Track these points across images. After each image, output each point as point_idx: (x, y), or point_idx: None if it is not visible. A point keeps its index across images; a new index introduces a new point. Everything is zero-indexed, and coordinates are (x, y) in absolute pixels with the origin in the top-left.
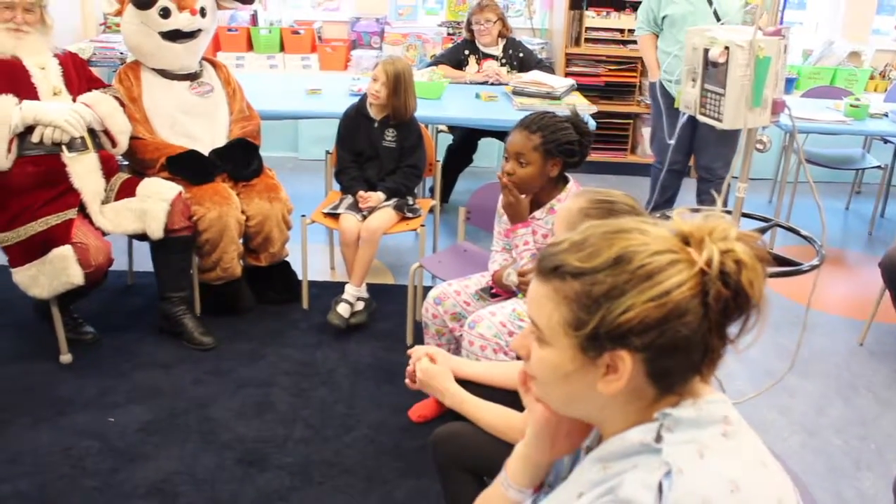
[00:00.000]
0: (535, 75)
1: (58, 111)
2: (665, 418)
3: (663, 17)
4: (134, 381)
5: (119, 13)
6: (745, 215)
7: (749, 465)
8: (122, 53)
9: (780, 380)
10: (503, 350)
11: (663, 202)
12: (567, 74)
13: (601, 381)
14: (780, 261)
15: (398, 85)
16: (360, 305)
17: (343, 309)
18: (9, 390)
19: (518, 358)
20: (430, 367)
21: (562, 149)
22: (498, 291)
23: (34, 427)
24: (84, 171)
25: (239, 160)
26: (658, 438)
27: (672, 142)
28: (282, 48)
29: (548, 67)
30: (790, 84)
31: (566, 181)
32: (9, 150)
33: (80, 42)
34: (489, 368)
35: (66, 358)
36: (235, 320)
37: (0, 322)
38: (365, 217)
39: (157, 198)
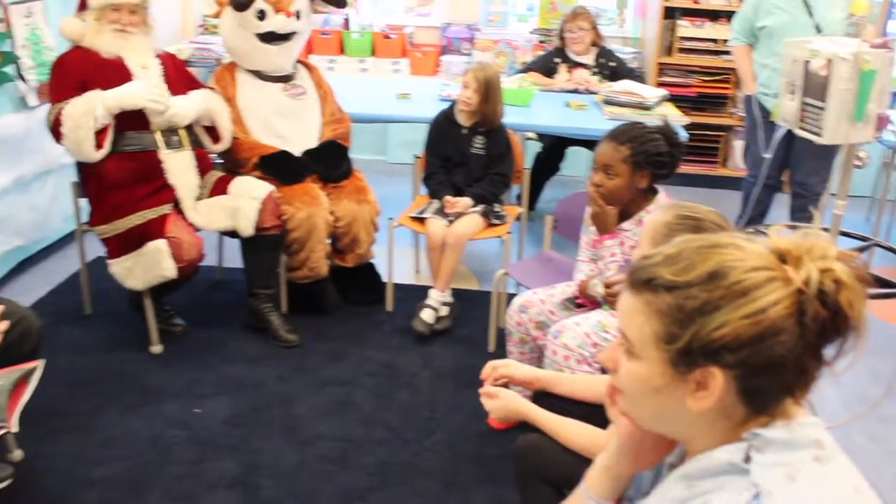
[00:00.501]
0: (627, 85)
1: (138, 92)
2: (755, 439)
3: (760, 28)
4: (220, 373)
5: (218, 15)
6: (842, 234)
7: (842, 492)
8: (218, 54)
9: (874, 406)
10: (586, 361)
11: (755, 217)
12: (659, 84)
13: (690, 397)
14: (879, 282)
15: (488, 92)
16: (444, 311)
17: (428, 315)
18: (103, 377)
19: (604, 371)
20: (493, 405)
21: (651, 161)
22: (583, 302)
23: (125, 413)
24: (180, 168)
25: (329, 162)
26: (747, 459)
27: (768, 156)
28: (373, 52)
29: (639, 77)
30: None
31: (655, 192)
32: (100, 146)
33: (178, 43)
34: (574, 381)
35: (156, 348)
36: (320, 319)
37: (96, 311)
38: (451, 222)
39: (248, 196)
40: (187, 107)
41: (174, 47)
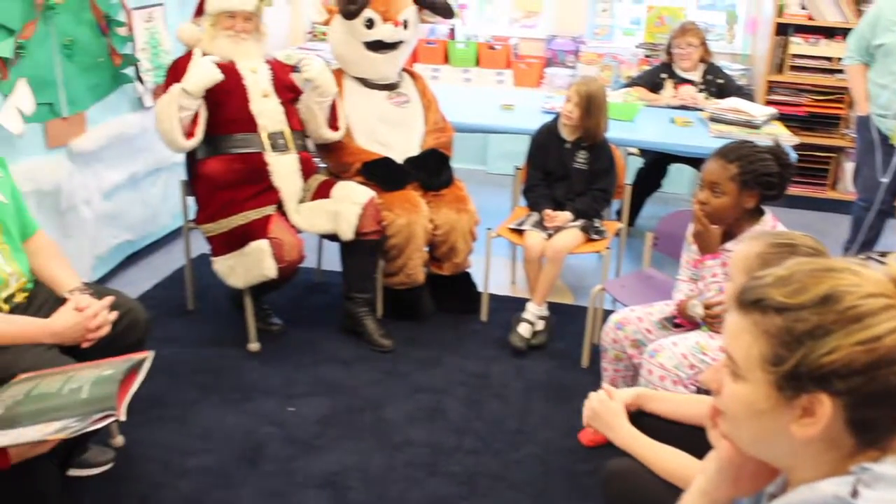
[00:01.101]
0: (734, 102)
1: (203, 66)
2: (864, 472)
3: (877, 46)
4: (315, 374)
5: (327, 22)
6: None
7: None
8: (326, 61)
9: None
10: (682, 382)
11: (866, 243)
12: (768, 103)
13: (796, 423)
14: None
15: (591, 106)
16: (540, 325)
17: (524, 329)
18: (203, 370)
19: (706, 392)
20: (602, 401)
21: (760, 181)
22: (681, 322)
23: (221, 408)
24: (284, 171)
25: (431, 170)
26: (854, 493)
27: (886, 180)
28: (477, 62)
29: (748, 95)
30: None
31: (762, 213)
32: (191, 134)
33: (287, 49)
34: (676, 402)
35: (254, 346)
36: (414, 326)
37: (198, 307)
38: (550, 236)
39: (350, 201)
40: (318, 63)
41: (282, 53)
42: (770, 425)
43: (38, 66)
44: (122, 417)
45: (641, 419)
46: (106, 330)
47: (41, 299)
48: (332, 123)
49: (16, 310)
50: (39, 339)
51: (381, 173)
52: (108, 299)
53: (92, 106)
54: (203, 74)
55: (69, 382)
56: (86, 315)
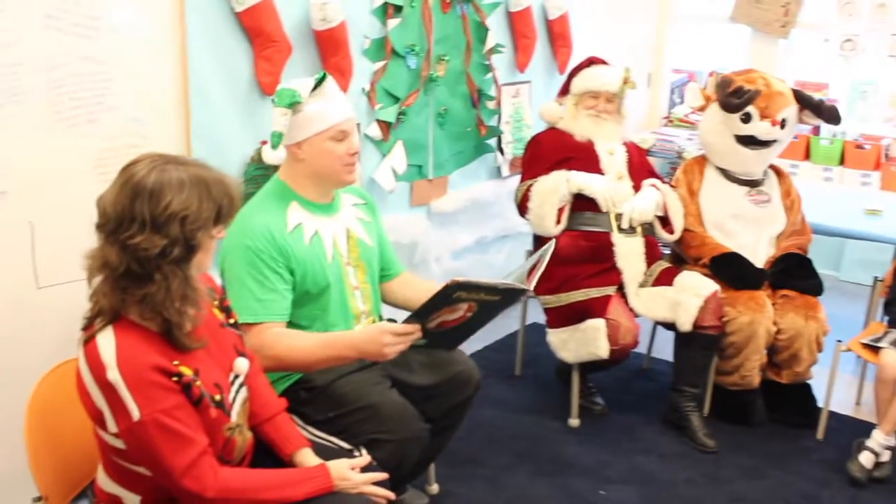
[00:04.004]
0: None
1: (599, 188)
2: None
3: None
4: (631, 462)
5: (702, 109)
6: None
7: None
8: (679, 147)
9: None
10: None
11: None
12: None
13: None
14: None
15: None
16: (886, 456)
17: (866, 459)
18: (521, 437)
19: None
20: None
21: None
22: None
23: (534, 477)
24: (629, 253)
25: (795, 274)
26: None
27: None
28: (841, 161)
29: None
30: None
31: None
32: (558, 221)
33: (641, 132)
34: None
35: (574, 422)
36: (742, 431)
37: (525, 373)
38: None
39: (692, 292)
40: (646, 210)
41: (637, 136)
42: None
43: (414, 130)
44: (531, 287)
45: None
46: (398, 349)
47: None
48: (667, 226)
49: None
50: (342, 351)
51: (731, 269)
52: (405, 327)
53: (455, 171)
54: (592, 185)
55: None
56: (382, 330)
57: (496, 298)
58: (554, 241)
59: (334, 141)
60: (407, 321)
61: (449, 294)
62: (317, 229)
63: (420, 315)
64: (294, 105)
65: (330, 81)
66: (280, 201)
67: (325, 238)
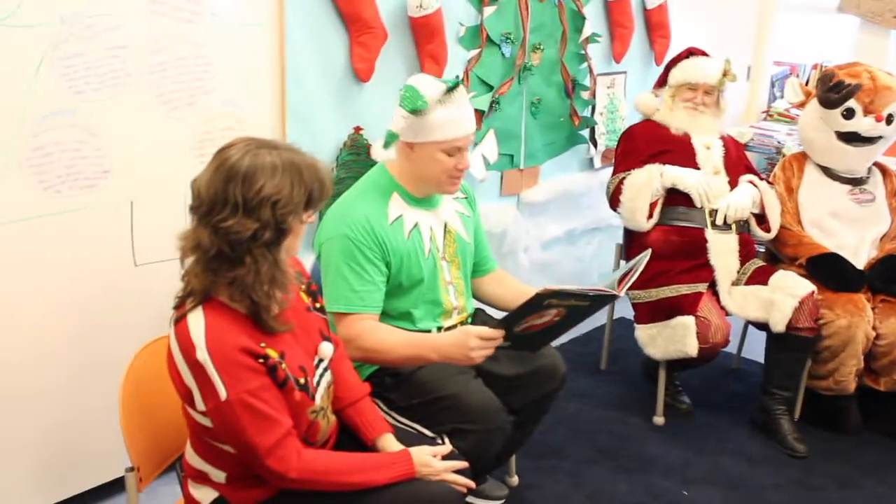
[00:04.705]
0: None
1: (694, 183)
2: None
3: None
4: (716, 463)
5: (802, 105)
6: None
7: None
8: (778, 142)
9: None
10: None
11: None
12: None
13: None
14: None
15: None
16: None
17: None
18: (604, 432)
19: None
20: None
21: None
22: None
23: (616, 474)
24: (722, 250)
25: (893, 276)
26: None
27: None
28: None
29: None
30: None
31: None
32: (650, 215)
33: (739, 126)
34: None
35: (658, 420)
36: (834, 438)
37: (610, 368)
38: None
39: (787, 292)
40: (743, 207)
41: (735, 130)
42: None
43: (506, 120)
44: (621, 294)
45: None
46: (484, 353)
47: None
48: (763, 223)
49: None
50: (427, 354)
51: (830, 271)
52: (491, 332)
53: (546, 161)
54: (687, 180)
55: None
56: (468, 334)
57: (585, 304)
58: (650, 250)
59: (447, 154)
60: (495, 326)
61: (540, 302)
62: (416, 222)
63: (509, 321)
64: (418, 112)
65: (461, 91)
66: (382, 192)
67: (424, 232)
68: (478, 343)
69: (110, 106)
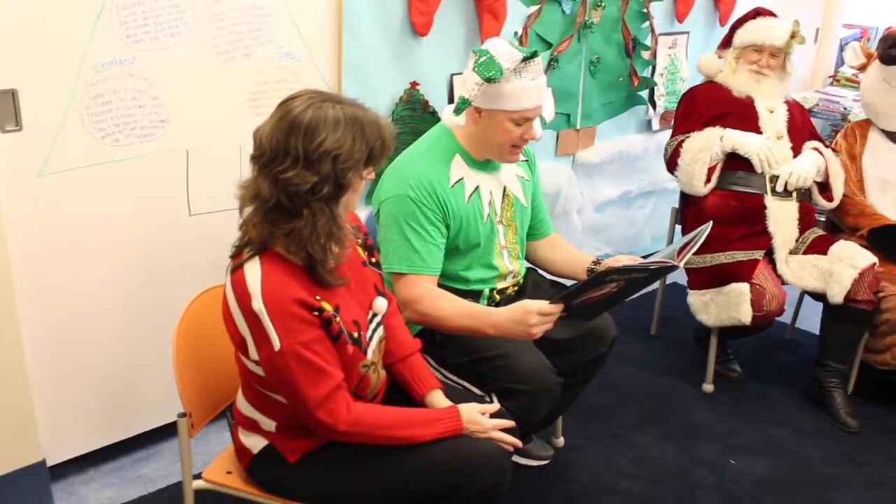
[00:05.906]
0: None
1: (755, 147)
2: None
3: None
4: (764, 433)
5: (864, 68)
6: None
7: None
8: (844, 108)
9: None
10: None
11: None
12: None
13: None
14: None
15: None
16: None
17: None
18: (652, 398)
19: None
20: None
21: None
22: None
23: (662, 439)
24: (781, 217)
25: None
26: None
27: None
28: None
29: None
30: None
31: None
32: (708, 180)
33: (804, 91)
34: None
35: (708, 387)
36: (888, 414)
37: (661, 333)
38: None
39: (847, 262)
40: (807, 174)
41: (800, 94)
42: None
43: (565, 78)
44: (680, 265)
45: None
46: (544, 328)
47: (526, 294)
48: (826, 192)
49: (504, 300)
50: (485, 328)
51: (892, 243)
52: (550, 307)
53: (604, 122)
54: (747, 145)
55: None
56: (527, 311)
57: (645, 275)
58: (710, 223)
59: (515, 123)
60: (554, 301)
61: (602, 279)
62: (477, 185)
63: (569, 297)
64: (492, 80)
65: (536, 62)
66: (444, 153)
67: (484, 196)
68: (538, 319)
69: (168, 56)
